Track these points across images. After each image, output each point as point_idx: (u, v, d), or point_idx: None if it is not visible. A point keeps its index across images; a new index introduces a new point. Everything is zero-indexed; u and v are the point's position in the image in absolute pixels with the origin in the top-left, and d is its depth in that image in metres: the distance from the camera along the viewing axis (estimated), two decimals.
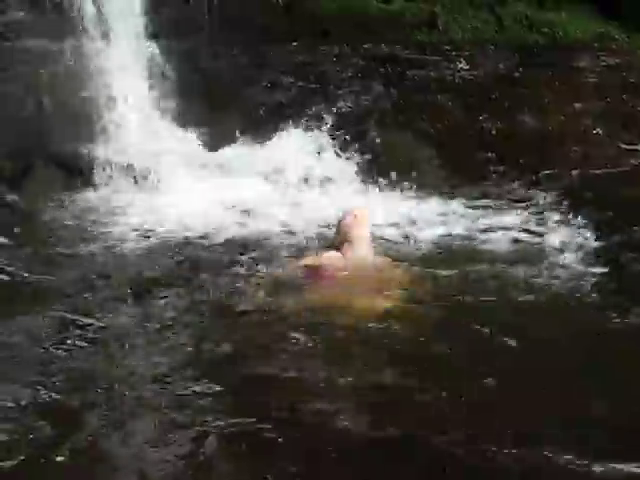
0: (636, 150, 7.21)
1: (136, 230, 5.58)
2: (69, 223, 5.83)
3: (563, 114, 7.79)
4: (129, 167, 6.71)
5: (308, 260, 4.51)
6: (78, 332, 3.84)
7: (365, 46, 8.72)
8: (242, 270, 4.65)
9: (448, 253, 5.08)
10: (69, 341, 3.73)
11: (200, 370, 3.43)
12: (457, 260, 4.69)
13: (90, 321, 3.95)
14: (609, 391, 3.22)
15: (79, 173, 6.79)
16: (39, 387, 3.30)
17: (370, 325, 3.85)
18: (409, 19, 9.66)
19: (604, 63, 8.83)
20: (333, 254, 4.44)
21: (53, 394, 3.25)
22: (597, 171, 6.67)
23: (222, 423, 3.05)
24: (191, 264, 4.84)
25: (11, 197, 6.28)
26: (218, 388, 3.31)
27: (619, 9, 10.03)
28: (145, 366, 3.52)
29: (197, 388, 3.30)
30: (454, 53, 8.72)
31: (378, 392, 3.30)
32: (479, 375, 3.33)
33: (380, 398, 3.27)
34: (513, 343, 3.63)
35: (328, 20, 9.44)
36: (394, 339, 3.74)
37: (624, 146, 7.30)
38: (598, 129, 7.55)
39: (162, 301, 4.21)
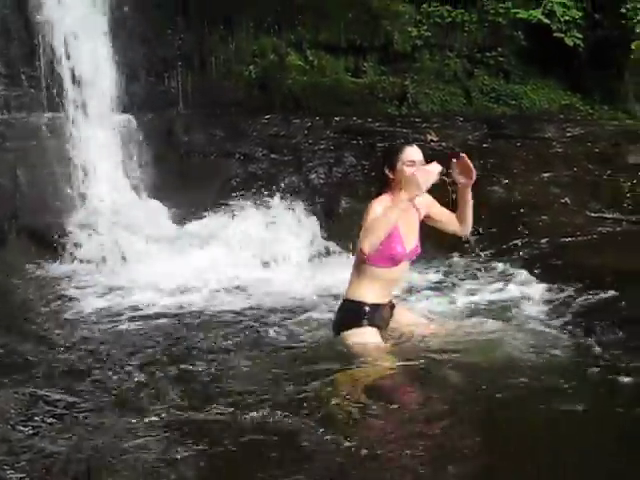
0: (603, 218, 7.33)
1: (104, 304, 5.54)
2: (38, 296, 5.78)
3: (531, 183, 7.93)
4: (99, 240, 6.72)
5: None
6: (46, 408, 3.76)
7: (337, 119, 8.91)
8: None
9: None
10: (37, 418, 3.65)
11: (172, 445, 3.36)
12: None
13: (58, 397, 3.88)
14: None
15: (50, 245, 6.78)
16: (5, 466, 3.22)
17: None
18: (380, 92, 9.93)
19: (570, 133, 9.07)
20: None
21: (18, 474, 3.17)
22: (566, 239, 6.75)
23: None
24: (157, 339, 4.78)
25: None
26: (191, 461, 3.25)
27: (582, 82, 10.38)
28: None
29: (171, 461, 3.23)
30: (424, 125, 8.91)
31: None
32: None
33: None
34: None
35: (301, 93, 9.66)
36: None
37: (592, 214, 7.43)
38: (566, 198, 7.68)
39: (130, 377, 4.14)
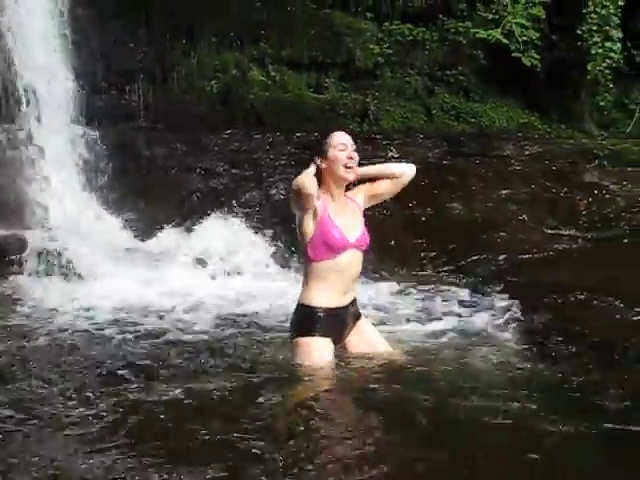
0: (560, 235, 7.45)
1: (58, 320, 5.44)
2: None
3: (490, 200, 8.04)
4: (58, 254, 6.62)
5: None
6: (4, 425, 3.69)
7: (298, 134, 8.93)
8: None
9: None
10: None
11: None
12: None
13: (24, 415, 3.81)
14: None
15: (9, 258, 6.67)
16: None
17: None
18: (342, 109, 9.99)
19: (528, 152, 9.22)
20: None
21: None
22: (523, 256, 6.84)
23: None
24: (117, 354, 4.71)
25: None
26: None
27: (540, 101, 10.57)
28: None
29: None
30: (385, 142, 8.98)
31: None
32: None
33: None
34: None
35: (263, 109, 9.68)
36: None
37: (549, 231, 7.54)
38: (523, 215, 7.79)
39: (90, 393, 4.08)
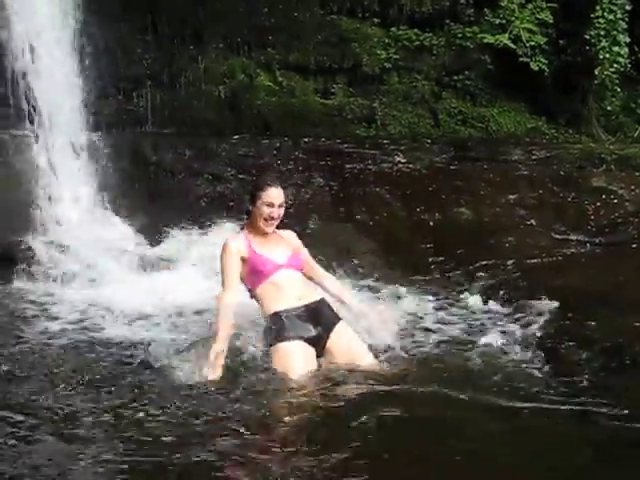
0: (568, 240, 7.43)
1: (64, 325, 5.44)
2: (2, 316, 5.67)
3: (498, 205, 8.03)
4: (66, 260, 6.63)
5: None
6: (9, 430, 3.69)
7: (305, 140, 8.95)
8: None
9: None
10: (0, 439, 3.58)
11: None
12: None
13: (21, 418, 3.81)
14: None
15: (14, 263, 6.67)
16: None
17: None
18: (349, 114, 9.99)
19: (535, 156, 9.20)
20: None
21: None
22: (531, 261, 6.82)
23: None
24: (127, 361, 4.70)
25: None
26: None
27: (547, 106, 10.54)
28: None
29: None
30: (392, 147, 8.98)
31: None
32: None
33: None
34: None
35: (270, 114, 9.69)
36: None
37: (557, 236, 7.52)
38: (531, 220, 7.78)
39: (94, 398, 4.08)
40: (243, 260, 4.29)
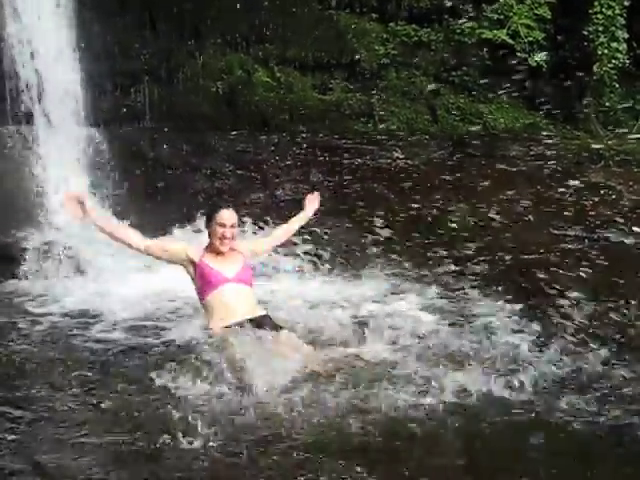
0: (566, 235, 7.43)
1: (68, 322, 5.42)
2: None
3: (496, 201, 8.01)
4: (62, 255, 6.62)
5: None
6: (8, 425, 3.70)
7: (303, 135, 8.95)
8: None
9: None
10: None
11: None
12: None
13: (21, 413, 3.82)
14: None
15: (12, 259, 6.66)
16: None
17: None
18: (347, 109, 9.99)
19: (533, 152, 9.21)
20: None
21: None
22: (530, 256, 6.82)
23: None
24: (118, 356, 4.70)
25: None
26: None
27: (546, 102, 10.55)
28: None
29: None
30: (390, 142, 8.98)
31: None
32: None
33: None
34: None
35: (267, 110, 9.68)
36: None
37: (555, 232, 7.52)
38: (529, 215, 7.77)
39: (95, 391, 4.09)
40: (192, 263, 4.69)
